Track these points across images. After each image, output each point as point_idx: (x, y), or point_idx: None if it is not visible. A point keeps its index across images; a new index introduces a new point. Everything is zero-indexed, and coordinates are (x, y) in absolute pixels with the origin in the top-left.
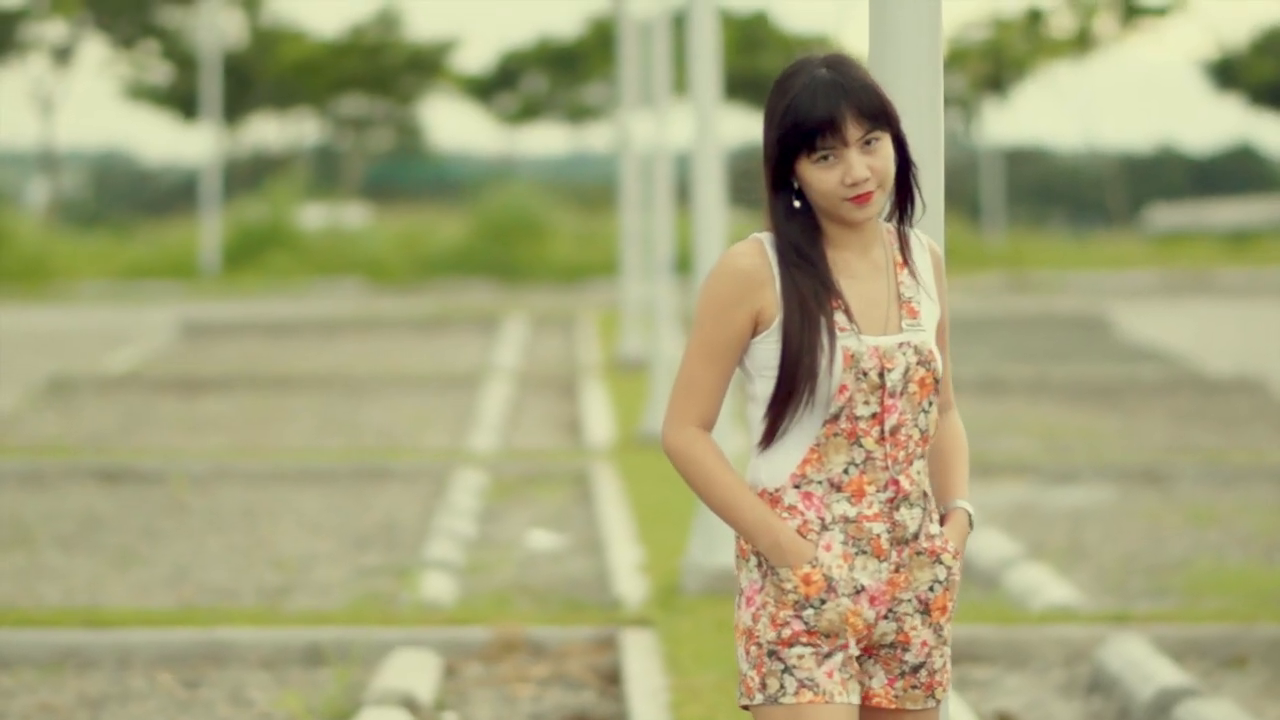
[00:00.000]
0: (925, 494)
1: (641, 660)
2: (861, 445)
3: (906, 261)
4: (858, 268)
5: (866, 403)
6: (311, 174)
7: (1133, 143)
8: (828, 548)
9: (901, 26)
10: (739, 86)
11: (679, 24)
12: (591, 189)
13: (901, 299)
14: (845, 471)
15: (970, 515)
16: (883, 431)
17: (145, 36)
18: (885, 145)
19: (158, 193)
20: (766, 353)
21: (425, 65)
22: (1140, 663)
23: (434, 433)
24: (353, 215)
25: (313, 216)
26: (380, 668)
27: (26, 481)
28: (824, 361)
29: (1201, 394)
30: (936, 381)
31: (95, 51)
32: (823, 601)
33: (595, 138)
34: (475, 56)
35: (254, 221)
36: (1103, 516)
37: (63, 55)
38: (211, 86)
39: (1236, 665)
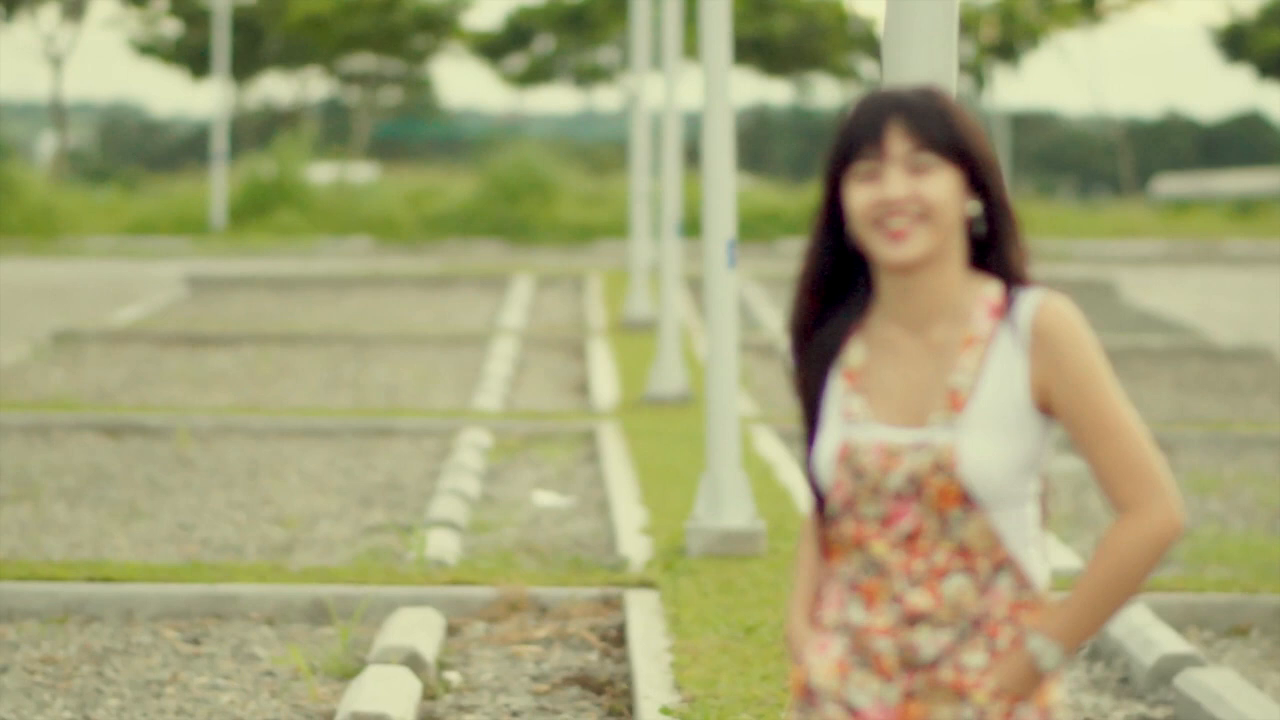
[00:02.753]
0: (970, 617)
1: (645, 621)
2: (870, 550)
3: (979, 340)
4: (903, 345)
5: (871, 504)
6: (320, 131)
7: (1141, 110)
8: (822, 649)
9: None
10: (749, 50)
11: None
12: (601, 149)
13: (949, 387)
14: (863, 571)
15: (1039, 655)
16: (893, 538)
17: None
18: (944, 177)
19: (166, 148)
20: None
21: (435, 23)
22: (1142, 630)
23: (440, 392)
24: (361, 173)
25: (321, 174)
26: (384, 626)
27: (31, 434)
28: (817, 451)
29: (1207, 363)
30: (965, 493)
31: (105, 6)
32: (807, 706)
33: (605, 99)
34: (485, 15)
35: (262, 178)
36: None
37: (73, 9)
38: (221, 42)
39: (1238, 634)
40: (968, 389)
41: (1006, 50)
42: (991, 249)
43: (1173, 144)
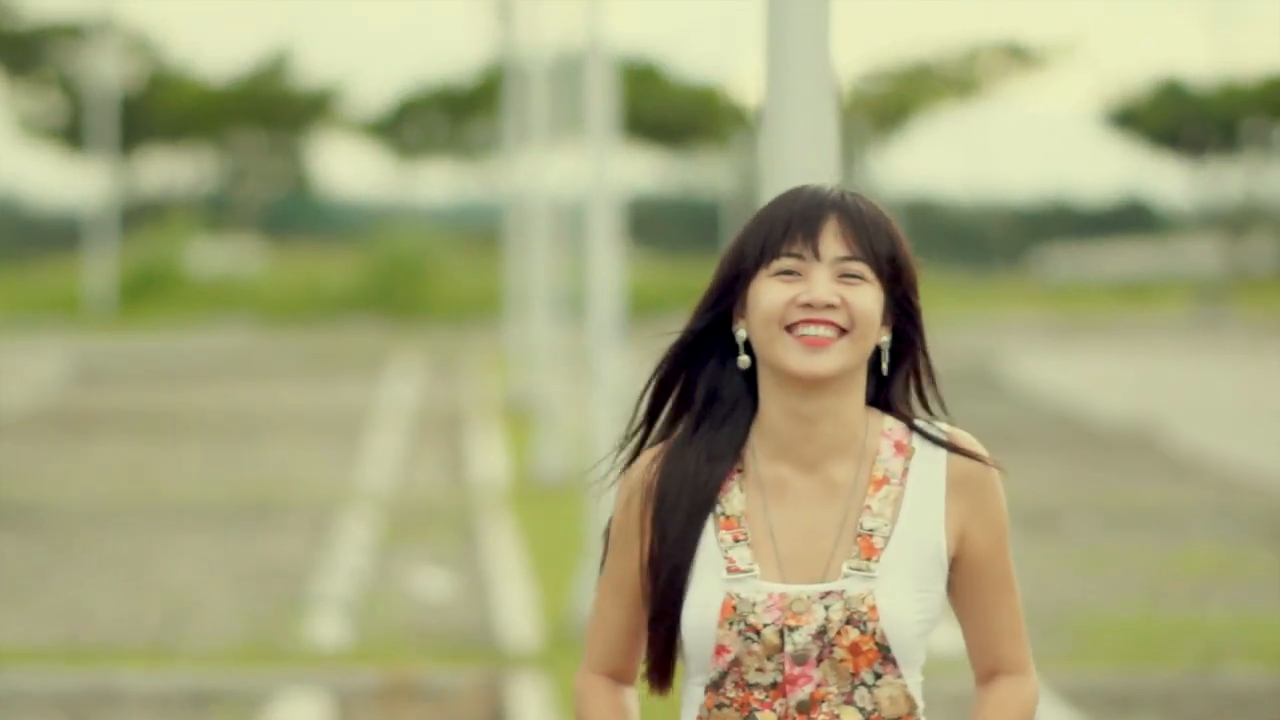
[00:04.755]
0: None
1: (529, 704)
2: None
3: (889, 479)
4: (795, 486)
5: (760, 669)
6: (204, 214)
7: (1024, 191)
8: None
9: (795, 71)
10: (635, 129)
11: (574, 70)
12: (483, 231)
13: (859, 531)
14: None
15: None
16: (787, 707)
17: (40, 72)
18: (872, 293)
19: (47, 231)
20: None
21: (318, 107)
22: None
23: (324, 473)
24: (246, 255)
25: (206, 256)
26: (269, 709)
27: None
28: (688, 609)
29: (1091, 442)
30: (883, 650)
31: None
32: None
33: (488, 180)
34: (368, 99)
35: (148, 261)
36: None
37: None
38: (105, 124)
39: (1127, 710)
40: (883, 534)
41: (888, 131)
42: (892, 382)
43: (1057, 226)
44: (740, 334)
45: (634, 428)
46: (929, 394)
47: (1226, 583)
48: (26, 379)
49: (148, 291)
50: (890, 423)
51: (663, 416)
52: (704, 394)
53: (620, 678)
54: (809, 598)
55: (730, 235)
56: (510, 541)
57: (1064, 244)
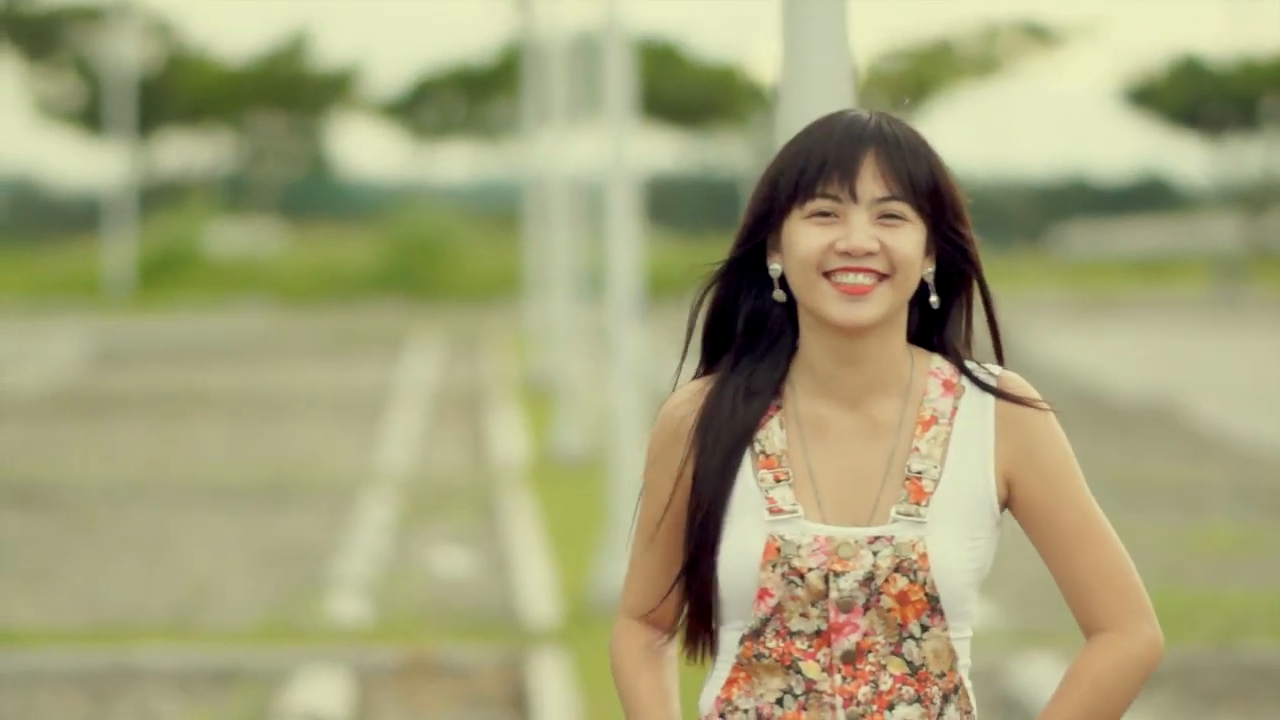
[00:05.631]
0: None
1: (550, 681)
2: (800, 672)
3: (938, 419)
4: (838, 425)
5: (804, 615)
6: (223, 195)
7: (1043, 169)
8: None
9: (812, 50)
10: (653, 109)
11: (592, 50)
12: (502, 211)
13: (907, 474)
14: (779, 702)
15: None
16: (831, 657)
17: (58, 55)
18: (914, 234)
19: (66, 214)
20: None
21: (336, 88)
22: (1045, 684)
23: (344, 453)
24: (265, 236)
25: (225, 237)
26: (290, 687)
27: None
28: (727, 552)
29: (1108, 418)
30: (932, 601)
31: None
32: None
33: (506, 160)
34: (386, 80)
35: (166, 242)
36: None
37: None
38: (123, 107)
39: (1147, 685)
40: (932, 477)
41: (908, 109)
42: (945, 318)
43: (1076, 203)
44: (775, 269)
45: (683, 360)
46: (966, 334)
47: (1246, 559)
48: (46, 360)
49: (167, 273)
50: (939, 361)
51: (700, 350)
52: (744, 326)
53: (657, 624)
54: (856, 542)
55: (763, 166)
56: (530, 519)
57: (1083, 221)
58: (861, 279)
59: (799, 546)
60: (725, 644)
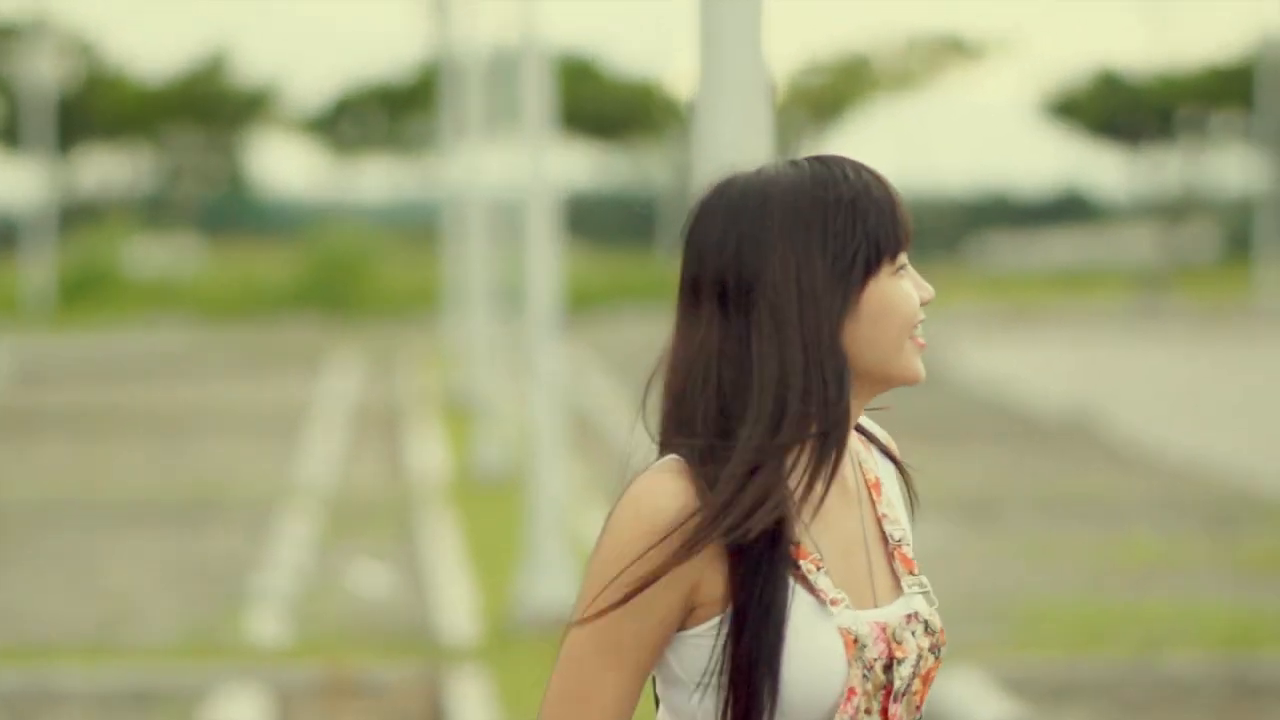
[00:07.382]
0: None
1: (468, 699)
2: None
3: (881, 481)
4: (817, 493)
5: (868, 710)
6: (142, 213)
7: (963, 182)
8: None
9: (728, 65)
10: (571, 124)
11: (510, 66)
12: (421, 227)
13: (889, 542)
14: None
15: None
16: None
17: None
18: None
19: None
20: (701, 653)
21: (255, 105)
22: (971, 696)
23: (264, 470)
24: (184, 254)
25: (144, 255)
26: (209, 706)
27: None
28: (804, 655)
29: (1031, 431)
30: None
31: None
32: None
33: (425, 177)
34: (305, 97)
35: (86, 261)
36: (940, 553)
37: None
38: (41, 125)
39: (1067, 697)
40: (909, 543)
41: (825, 125)
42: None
43: (995, 217)
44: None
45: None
46: None
47: (1166, 571)
48: None
49: (86, 291)
50: None
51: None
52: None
53: None
54: (900, 625)
55: (786, 237)
56: (450, 537)
57: (1003, 233)
58: (921, 331)
59: (866, 637)
60: None
